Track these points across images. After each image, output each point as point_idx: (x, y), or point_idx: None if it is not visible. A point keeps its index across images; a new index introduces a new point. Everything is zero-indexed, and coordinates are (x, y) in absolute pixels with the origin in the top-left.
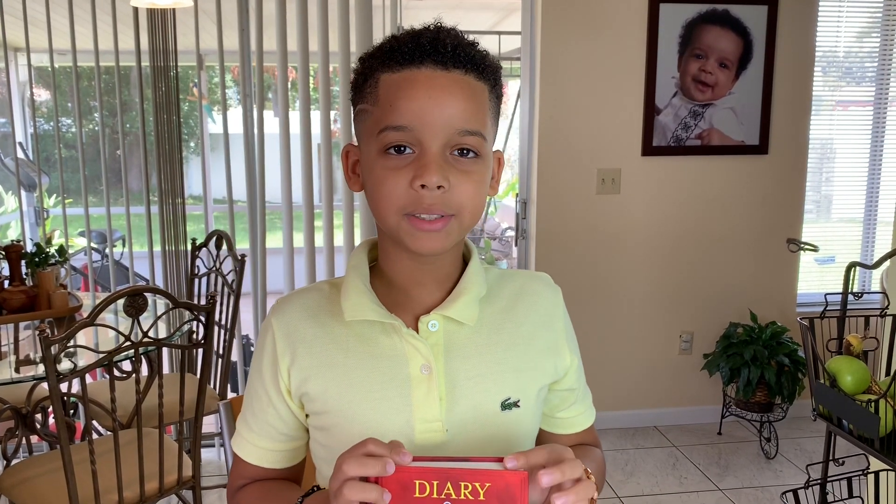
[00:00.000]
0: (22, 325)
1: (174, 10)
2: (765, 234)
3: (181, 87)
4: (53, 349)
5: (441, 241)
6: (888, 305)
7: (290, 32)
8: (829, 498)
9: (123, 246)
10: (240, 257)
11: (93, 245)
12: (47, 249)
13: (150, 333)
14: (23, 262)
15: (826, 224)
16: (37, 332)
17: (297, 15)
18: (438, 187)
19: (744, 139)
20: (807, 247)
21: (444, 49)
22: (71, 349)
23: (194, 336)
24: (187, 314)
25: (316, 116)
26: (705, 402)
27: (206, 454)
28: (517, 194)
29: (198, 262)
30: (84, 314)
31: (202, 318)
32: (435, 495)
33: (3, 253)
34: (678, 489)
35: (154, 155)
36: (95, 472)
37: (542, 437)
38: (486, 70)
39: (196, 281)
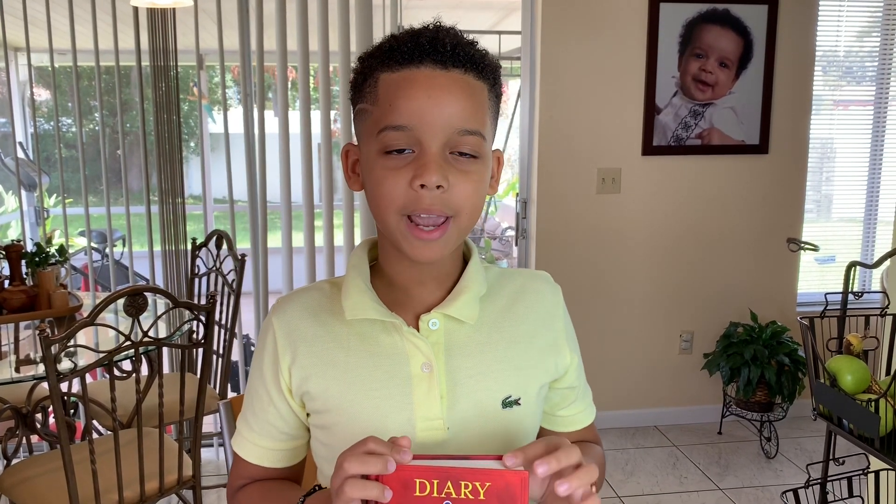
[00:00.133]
0: (22, 324)
1: (174, 9)
2: (765, 233)
3: (181, 87)
4: (54, 349)
5: (439, 249)
6: (888, 305)
7: (290, 32)
8: (830, 497)
9: (123, 246)
10: (240, 257)
11: (93, 245)
12: (47, 249)
13: (151, 333)
14: (23, 262)
15: (826, 223)
16: (37, 332)
17: (297, 14)
18: (438, 187)
19: (744, 139)
20: (807, 246)
21: (443, 48)
22: (71, 349)
23: (194, 336)
24: (187, 314)
25: (316, 116)
26: (705, 401)
27: (204, 454)
28: (517, 194)
29: (198, 261)
30: (84, 314)
31: (202, 318)
32: (435, 494)
33: (4, 253)
34: (678, 489)
35: (154, 154)
36: (95, 472)
37: (543, 436)
38: (485, 69)
39: (196, 280)
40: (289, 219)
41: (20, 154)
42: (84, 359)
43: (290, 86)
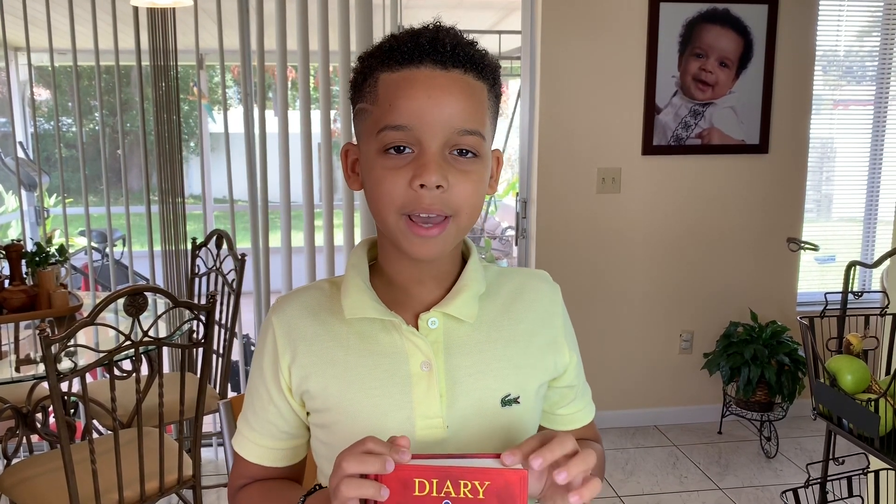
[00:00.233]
0: (22, 324)
1: (174, 9)
2: (765, 233)
3: (181, 87)
4: (54, 348)
5: (438, 246)
6: (888, 304)
7: (290, 32)
8: (829, 497)
9: (124, 245)
10: (240, 256)
11: (93, 244)
12: (48, 249)
13: (151, 333)
14: (23, 262)
15: (826, 223)
16: (37, 332)
17: (297, 14)
18: (437, 187)
19: (744, 138)
20: (807, 246)
21: (443, 48)
22: (71, 348)
23: (194, 335)
24: (187, 313)
25: (316, 116)
26: (705, 401)
27: (204, 454)
28: (517, 193)
29: (198, 261)
30: (84, 313)
31: (202, 318)
32: (434, 493)
33: (4, 252)
34: (678, 488)
35: (154, 154)
36: (96, 472)
37: None
38: (485, 69)
39: (196, 280)
40: (288, 218)
41: (20, 154)
42: (84, 358)
43: (290, 85)
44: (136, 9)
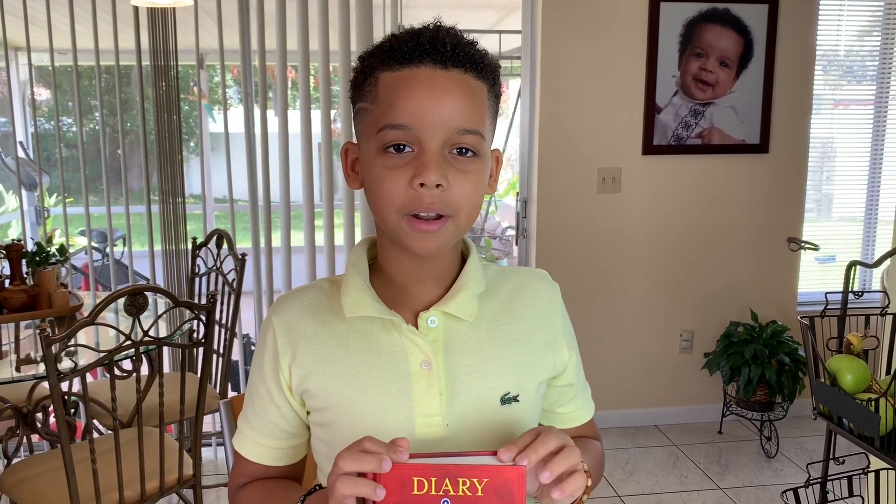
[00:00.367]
0: (23, 324)
1: (174, 8)
2: (765, 232)
3: (181, 87)
4: (54, 348)
5: (438, 242)
6: (888, 304)
7: (291, 31)
8: (830, 497)
9: (124, 245)
10: (240, 256)
11: (93, 244)
12: (48, 248)
13: (151, 332)
14: (23, 262)
15: (826, 223)
16: (37, 332)
17: (297, 14)
18: (437, 186)
19: (744, 138)
20: (807, 246)
21: (443, 48)
22: (71, 348)
23: (195, 335)
24: (188, 313)
25: (316, 115)
26: (706, 401)
27: (204, 453)
28: (518, 193)
29: (198, 261)
30: (85, 313)
31: (203, 317)
32: (433, 492)
33: (4, 252)
34: (679, 488)
35: (154, 154)
36: (96, 471)
37: None
38: (484, 69)
39: (196, 280)
40: (288, 218)
41: (21, 153)
42: (84, 358)
43: (290, 85)
44: (136, 8)
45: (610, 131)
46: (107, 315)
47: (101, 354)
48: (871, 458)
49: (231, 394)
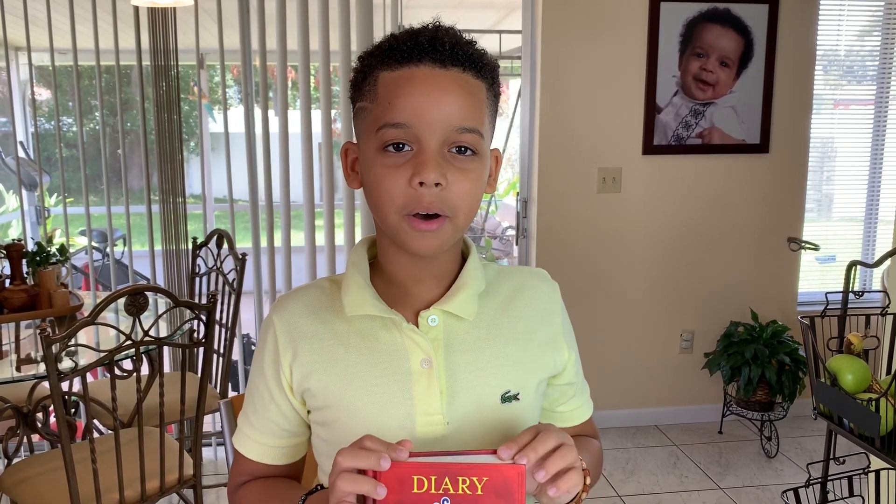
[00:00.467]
0: (23, 324)
1: (175, 8)
2: (765, 232)
3: (182, 86)
4: (54, 348)
5: (436, 240)
6: (889, 304)
7: (291, 31)
8: (830, 497)
9: (124, 245)
10: (241, 256)
11: (93, 244)
12: (48, 248)
13: (151, 332)
14: (24, 261)
15: (827, 223)
16: (38, 331)
17: (297, 14)
18: (436, 185)
19: (745, 138)
20: (808, 245)
21: (442, 47)
22: (72, 348)
23: (195, 335)
24: (188, 313)
25: (317, 115)
26: (706, 400)
27: (204, 453)
28: (518, 193)
29: (198, 261)
30: (85, 313)
31: (203, 317)
32: (433, 490)
33: (5, 252)
34: (679, 488)
35: (155, 154)
36: (96, 471)
37: None
38: (483, 68)
39: (197, 280)
40: (288, 218)
41: (21, 153)
42: (85, 358)
43: (290, 85)
44: (136, 8)
45: (610, 131)
46: (107, 315)
47: (102, 354)
48: (872, 458)
49: (231, 394)
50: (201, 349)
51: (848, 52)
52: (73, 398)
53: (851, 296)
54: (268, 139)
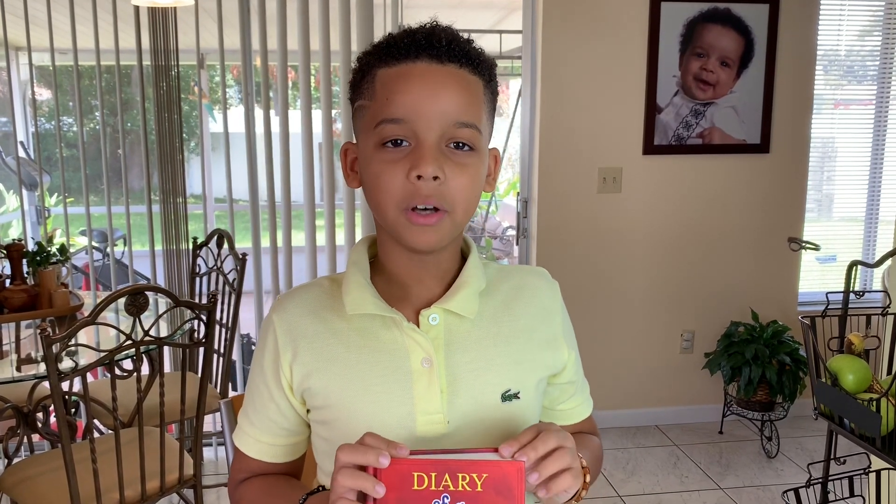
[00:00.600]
0: (23, 323)
1: (175, 8)
2: (766, 232)
3: (182, 86)
4: (55, 348)
5: (435, 235)
6: (889, 304)
7: (291, 31)
8: (831, 497)
9: (124, 245)
10: (241, 256)
11: (94, 244)
12: (48, 248)
13: (152, 332)
14: (24, 261)
15: (827, 223)
16: (38, 331)
17: (297, 14)
18: (434, 178)
19: (745, 138)
20: (808, 245)
21: (439, 44)
22: (72, 348)
23: (195, 335)
24: (188, 313)
25: (317, 115)
26: (706, 400)
27: (205, 453)
28: (518, 193)
29: (199, 260)
30: (85, 313)
31: (203, 317)
32: (433, 487)
33: (5, 252)
34: (679, 488)
35: (155, 154)
36: (97, 471)
37: None
38: (480, 65)
39: (197, 280)
40: (289, 218)
41: (21, 153)
42: (85, 358)
43: (290, 85)
44: (136, 8)
45: (610, 131)
46: (107, 315)
47: (102, 354)
48: (873, 458)
49: (231, 393)
50: (201, 349)
51: (848, 52)
52: (74, 398)
53: (852, 296)
54: (268, 139)
